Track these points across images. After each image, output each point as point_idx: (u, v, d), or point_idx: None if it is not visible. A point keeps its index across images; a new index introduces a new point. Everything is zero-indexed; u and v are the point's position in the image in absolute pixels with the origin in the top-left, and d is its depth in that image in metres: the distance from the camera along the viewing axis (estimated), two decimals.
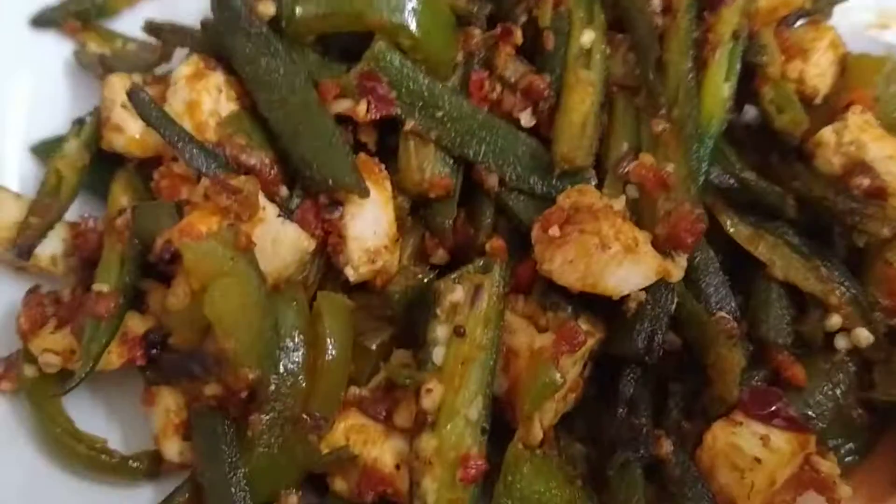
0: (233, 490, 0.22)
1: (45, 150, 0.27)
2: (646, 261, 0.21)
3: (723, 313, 0.23)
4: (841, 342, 0.24)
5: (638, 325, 0.23)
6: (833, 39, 0.24)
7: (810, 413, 0.23)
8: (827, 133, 0.23)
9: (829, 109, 0.26)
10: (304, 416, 0.25)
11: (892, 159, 0.23)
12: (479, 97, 0.25)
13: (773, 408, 0.22)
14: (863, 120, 0.23)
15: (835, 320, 0.24)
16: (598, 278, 0.21)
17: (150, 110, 0.24)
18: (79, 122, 0.27)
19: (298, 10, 0.27)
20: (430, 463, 0.21)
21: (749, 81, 0.26)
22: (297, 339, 0.24)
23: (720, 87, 0.24)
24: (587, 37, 0.24)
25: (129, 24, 0.29)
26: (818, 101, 0.26)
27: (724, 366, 0.23)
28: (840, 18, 0.31)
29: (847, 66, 0.25)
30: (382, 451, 0.22)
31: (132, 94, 0.25)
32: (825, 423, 0.22)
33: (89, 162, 0.28)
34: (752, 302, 0.24)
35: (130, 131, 0.23)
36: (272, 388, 0.23)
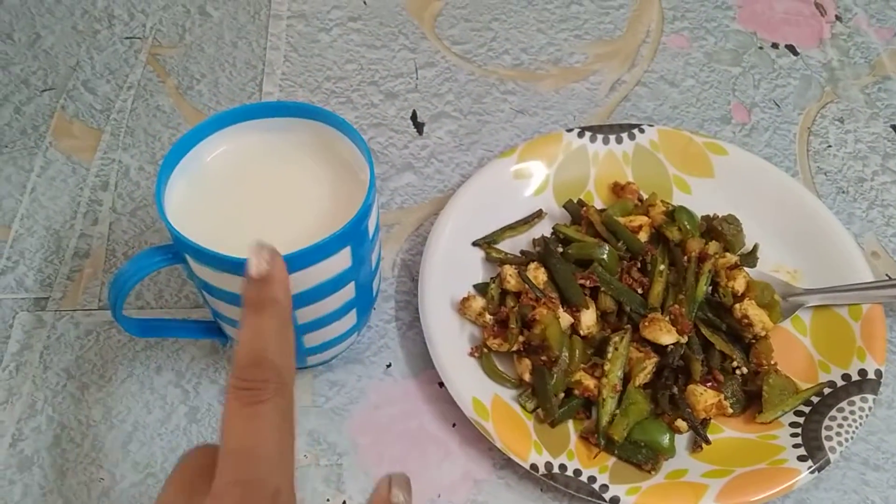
0: (549, 389, 0.47)
1: (482, 288, 0.55)
2: (672, 334, 0.50)
3: (697, 356, 0.51)
4: (737, 371, 0.51)
5: (671, 354, 0.50)
6: (745, 274, 0.52)
7: (723, 391, 0.52)
8: (736, 306, 0.50)
9: (742, 297, 0.55)
10: (569, 368, 0.54)
11: (755, 315, 0.50)
12: (624, 282, 0.54)
13: (709, 383, 0.50)
14: (748, 302, 0.51)
15: (735, 363, 0.51)
16: (657, 338, 0.54)
17: (526, 278, 0.55)
18: (493, 278, 0.54)
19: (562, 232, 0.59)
20: (605, 387, 0.49)
21: (715, 285, 0.58)
22: (565, 346, 0.55)
23: (703, 287, 0.51)
24: (661, 266, 0.53)
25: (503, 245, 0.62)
26: (739, 294, 0.56)
27: (693, 369, 0.54)
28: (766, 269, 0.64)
29: (749, 283, 0.54)
30: (589, 381, 0.50)
31: (519, 272, 0.57)
32: (728, 393, 0.49)
33: (500, 293, 0.55)
34: (707, 356, 0.51)
35: (514, 282, 0.50)
36: (561, 358, 0.53)
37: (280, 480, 0.34)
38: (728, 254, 0.59)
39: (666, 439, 0.53)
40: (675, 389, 0.54)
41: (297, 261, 0.45)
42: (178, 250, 0.46)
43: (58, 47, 0.74)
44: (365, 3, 0.76)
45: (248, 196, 0.49)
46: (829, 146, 0.69)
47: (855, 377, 0.54)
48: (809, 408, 0.54)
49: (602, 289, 0.57)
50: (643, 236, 0.60)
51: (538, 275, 0.58)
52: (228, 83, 0.71)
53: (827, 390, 0.55)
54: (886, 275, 0.62)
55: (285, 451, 0.35)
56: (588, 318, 0.56)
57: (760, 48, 0.75)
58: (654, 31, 0.76)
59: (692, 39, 0.75)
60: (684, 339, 0.55)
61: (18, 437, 0.54)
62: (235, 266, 0.45)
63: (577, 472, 0.51)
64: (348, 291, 0.50)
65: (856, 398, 0.54)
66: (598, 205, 0.64)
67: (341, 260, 0.47)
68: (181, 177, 0.49)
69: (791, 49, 0.74)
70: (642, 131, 0.66)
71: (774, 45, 0.75)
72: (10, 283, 0.61)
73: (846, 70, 0.73)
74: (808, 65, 0.73)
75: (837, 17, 0.77)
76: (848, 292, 0.58)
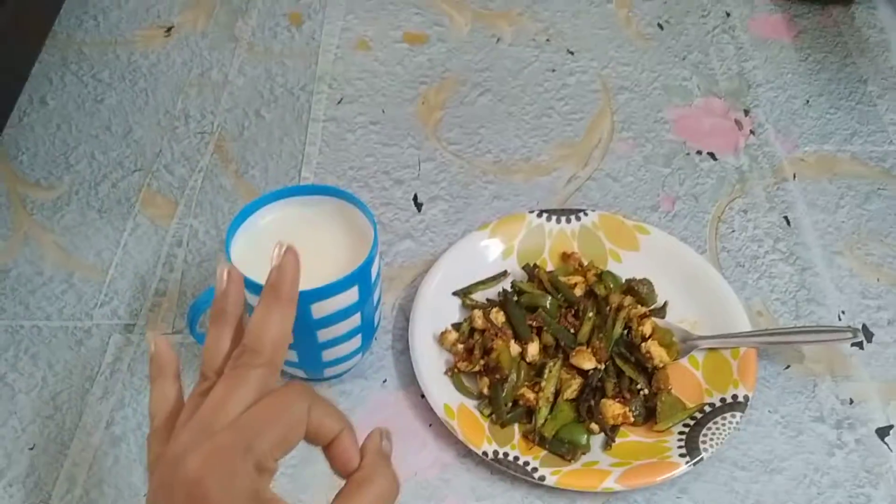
0: (501, 400, 0.63)
1: (457, 325, 0.70)
2: (593, 362, 0.65)
3: (611, 379, 0.66)
4: (641, 392, 0.67)
5: (591, 377, 0.66)
6: (652, 321, 0.70)
7: (629, 405, 0.66)
8: (643, 344, 0.67)
9: (648, 338, 0.69)
10: (516, 385, 0.64)
11: (656, 351, 0.66)
12: (562, 324, 0.70)
13: (619, 399, 0.65)
14: (651, 342, 0.67)
15: (640, 386, 0.67)
16: (582, 364, 0.65)
17: (489, 319, 0.68)
18: (466, 319, 0.70)
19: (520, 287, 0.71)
20: (542, 399, 0.64)
21: (629, 329, 0.69)
22: (514, 369, 0.64)
23: (619, 329, 0.68)
24: (590, 314, 0.71)
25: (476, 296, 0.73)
26: (646, 336, 0.69)
27: (607, 388, 0.65)
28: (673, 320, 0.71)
29: (654, 328, 0.70)
30: (531, 395, 0.64)
31: (484, 314, 0.70)
32: (633, 407, 0.65)
33: (470, 329, 0.70)
34: (619, 379, 0.68)
35: (480, 322, 0.68)
36: (511, 377, 0.63)
37: (251, 438, 0.37)
38: (640, 306, 0.75)
39: (584, 439, 0.68)
40: (593, 402, 0.69)
41: (320, 294, 0.62)
42: None
43: (145, 138, 0.94)
44: (383, 111, 0.98)
45: None
46: (733, 231, 0.85)
47: (729, 400, 0.70)
48: (694, 421, 0.70)
49: (544, 328, 0.73)
50: (578, 291, 0.76)
51: (498, 316, 0.74)
52: (276, 169, 0.90)
53: (707, 408, 0.70)
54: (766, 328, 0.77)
55: (258, 414, 0.39)
56: (533, 348, 0.72)
57: (687, 154, 0.92)
58: (604, 139, 0.94)
59: (635, 146, 0.93)
60: (602, 366, 0.70)
61: (111, 422, 0.71)
62: None
63: (516, 458, 0.67)
64: (356, 320, 0.67)
65: (727, 415, 0.69)
66: (550, 268, 0.80)
67: (351, 295, 0.64)
68: (241, 235, 0.67)
69: (711, 155, 0.93)
70: (586, 215, 0.82)
71: (699, 152, 0.92)
72: (107, 313, 0.79)
73: (754, 173, 0.90)
74: (724, 168, 0.91)
75: (751, 131, 0.96)
76: (730, 338, 0.73)
